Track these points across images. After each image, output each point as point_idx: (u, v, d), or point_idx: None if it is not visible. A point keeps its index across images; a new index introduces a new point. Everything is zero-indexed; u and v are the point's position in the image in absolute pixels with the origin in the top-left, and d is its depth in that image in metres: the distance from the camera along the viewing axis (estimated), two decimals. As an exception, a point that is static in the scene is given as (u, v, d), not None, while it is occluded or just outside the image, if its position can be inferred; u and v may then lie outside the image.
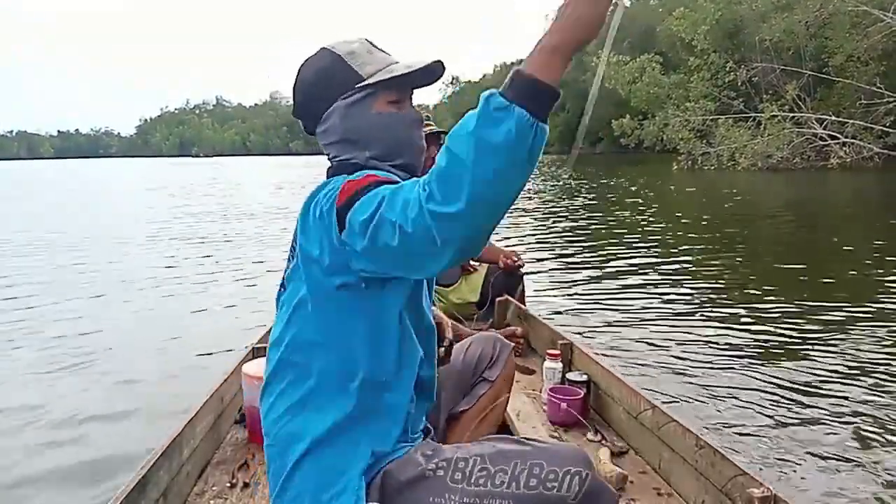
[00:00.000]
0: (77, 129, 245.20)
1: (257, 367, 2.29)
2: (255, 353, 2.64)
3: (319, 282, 1.17)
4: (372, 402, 1.21)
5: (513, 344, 1.99)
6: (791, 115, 26.84)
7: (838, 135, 25.35)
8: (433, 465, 1.20)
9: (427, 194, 0.93)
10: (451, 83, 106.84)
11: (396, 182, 1.10)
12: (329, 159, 1.32)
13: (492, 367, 1.84)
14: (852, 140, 24.95)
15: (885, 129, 24.82)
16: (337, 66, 1.25)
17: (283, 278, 1.30)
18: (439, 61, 1.24)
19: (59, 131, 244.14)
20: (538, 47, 0.92)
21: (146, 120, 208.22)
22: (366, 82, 1.23)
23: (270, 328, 2.92)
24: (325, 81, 1.25)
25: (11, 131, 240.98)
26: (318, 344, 1.20)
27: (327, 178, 1.27)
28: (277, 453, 1.25)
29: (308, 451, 1.20)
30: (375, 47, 1.28)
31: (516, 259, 3.76)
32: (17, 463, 3.08)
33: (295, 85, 1.31)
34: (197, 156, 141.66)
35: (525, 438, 1.31)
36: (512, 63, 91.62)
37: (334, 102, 1.25)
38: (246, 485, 2.03)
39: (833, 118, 25.84)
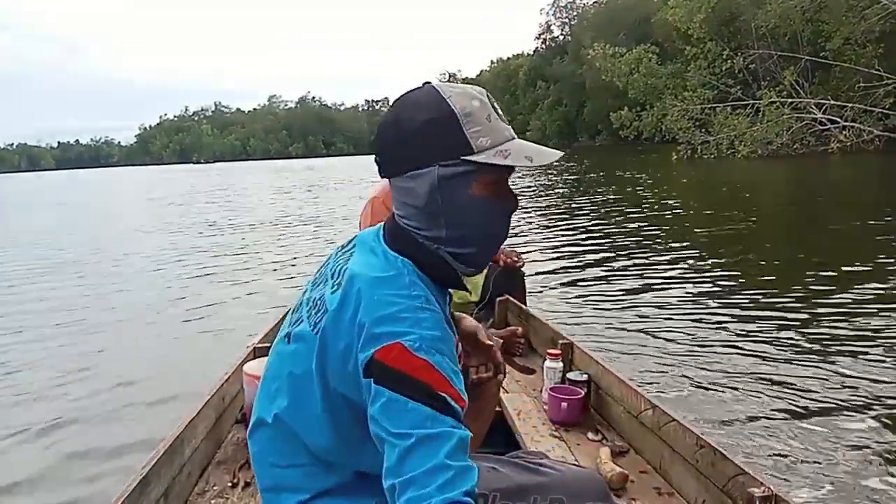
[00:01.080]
0: (77, 140, 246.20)
1: (258, 367, 2.29)
2: (256, 352, 2.64)
3: (327, 380, 1.05)
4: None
5: (500, 339, 1.99)
6: (790, 100, 26.73)
7: (838, 119, 25.25)
8: None
9: None
10: (449, 80, 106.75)
11: (447, 375, 0.96)
12: (396, 214, 1.13)
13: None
14: (852, 124, 24.83)
15: (884, 111, 24.70)
16: (449, 124, 1.04)
17: (290, 332, 1.15)
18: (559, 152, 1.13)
19: (59, 143, 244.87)
20: None
21: (146, 128, 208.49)
22: (475, 158, 1.04)
23: (271, 328, 2.94)
24: (431, 138, 1.05)
25: (12, 144, 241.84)
26: (320, 441, 1.10)
27: (392, 242, 1.11)
28: (273, 498, 1.18)
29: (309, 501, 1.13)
30: (495, 109, 1.08)
31: (516, 259, 3.75)
32: (18, 462, 3.10)
33: (390, 120, 1.09)
34: (198, 162, 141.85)
35: (533, 456, 1.28)
36: (508, 58, 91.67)
37: (431, 165, 1.05)
38: (247, 484, 2.03)
39: (832, 102, 25.73)
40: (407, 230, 1.11)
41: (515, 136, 1.10)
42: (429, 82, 1.12)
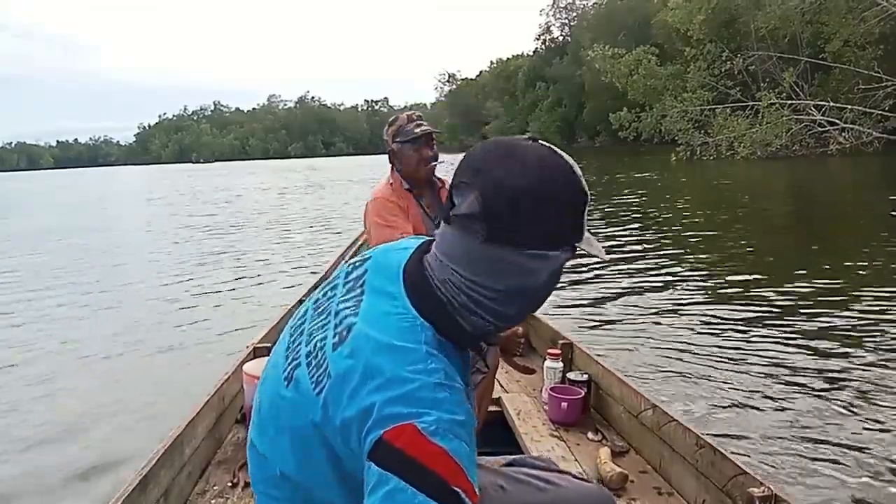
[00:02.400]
0: (76, 139, 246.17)
1: (258, 367, 2.30)
2: (256, 352, 2.64)
3: (333, 449, 0.95)
4: None
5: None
6: (789, 102, 26.74)
7: (837, 121, 25.26)
8: None
9: None
10: (448, 81, 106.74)
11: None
12: (459, 274, 0.96)
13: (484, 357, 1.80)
14: (851, 125, 24.84)
15: (884, 113, 24.72)
16: (581, 210, 0.95)
17: (290, 375, 1.04)
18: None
19: (58, 141, 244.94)
20: None
21: (145, 127, 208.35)
22: (581, 246, 0.96)
23: (271, 328, 2.94)
24: (565, 221, 0.94)
25: (11, 143, 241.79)
26: (332, 498, 1.02)
27: (406, 281, 0.99)
28: None
29: None
30: None
31: None
32: (18, 462, 3.10)
33: (529, 187, 0.91)
34: (197, 161, 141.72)
35: (538, 461, 1.25)
36: (508, 59, 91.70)
37: (557, 249, 0.94)
38: (247, 484, 2.03)
39: (831, 104, 25.73)
40: (442, 288, 0.97)
41: None
42: (551, 147, 0.96)
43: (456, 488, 0.83)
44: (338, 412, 0.91)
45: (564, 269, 0.99)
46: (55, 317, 5.94)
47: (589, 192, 0.95)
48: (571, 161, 0.95)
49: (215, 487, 2.05)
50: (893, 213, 9.48)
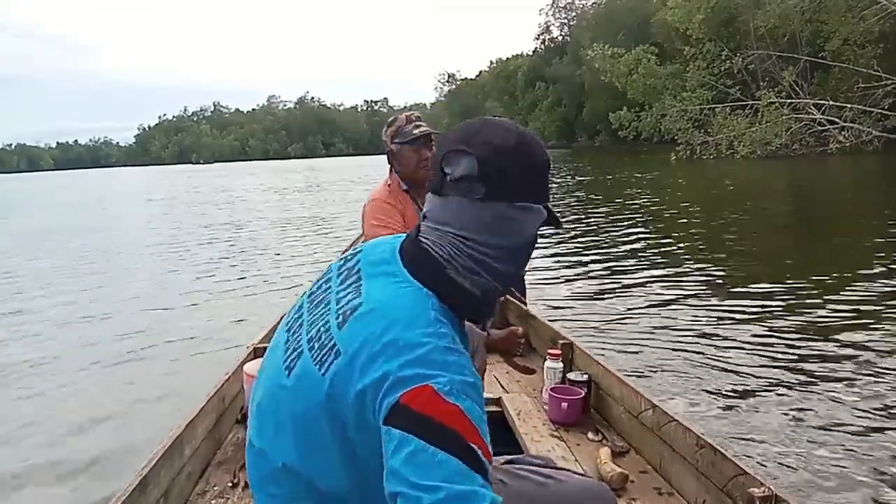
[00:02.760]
0: (76, 140, 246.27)
1: (258, 367, 2.29)
2: (256, 352, 2.64)
3: (344, 428, 0.97)
4: None
5: (485, 333, 1.99)
6: (789, 101, 26.76)
7: (837, 119, 25.29)
8: None
9: None
10: (448, 81, 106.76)
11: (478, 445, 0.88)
12: (461, 237, 1.04)
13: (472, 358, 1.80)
14: (851, 124, 24.86)
15: (883, 112, 24.73)
16: (546, 171, 1.08)
17: (290, 364, 1.05)
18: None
19: (58, 142, 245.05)
20: None
21: (145, 128, 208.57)
22: (550, 208, 1.09)
23: (271, 328, 2.93)
24: (542, 178, 1.07)
25: (11, 144, 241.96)
26: (338, 485, 1.03)
27: (403, 256, 1.05)
28: None
29: None
30: None
31: None
32: (18, 462, 3.10)
33: (514, 144, 1.04)
34: (197, 162, 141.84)
35: (537, 459, 1.26)
36: (507, 59, 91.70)
37: (539, 203, 1.06)
38: (248, 485, 2.02)
39: (831, 103, 25.75)
40: (442, 255, 1.03)
41: None
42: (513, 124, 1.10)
43: (472, 445, 0.87)
44: (350, 387, 0.93)
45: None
46: (54, 316, 5.94)
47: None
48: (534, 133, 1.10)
49: (215, 488, 2.04)
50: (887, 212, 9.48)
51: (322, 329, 1.02)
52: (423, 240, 1.05)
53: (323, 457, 1.00)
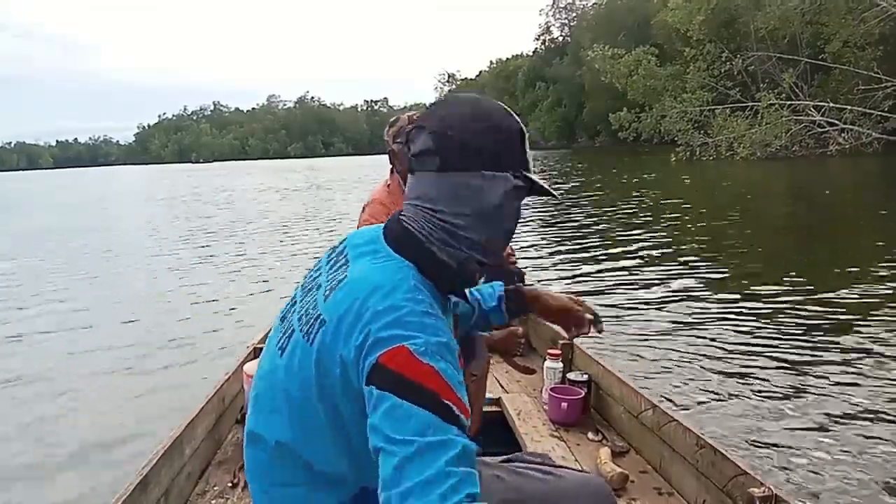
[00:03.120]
0: (76, 139, 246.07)
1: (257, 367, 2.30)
2: (256, 352, 2.64)
3: (332, 398, 1.01)
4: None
5: (486, 334, 1.99)
6: (788, 103, 26.77)
7: (837, 121, 25.30)
8: None
9: None
10: (448, 81, 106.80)
11: (452, 404, 0.92)
12: (427, 209, 1.09)
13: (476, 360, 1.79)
14: (851, 126, 24.88)
15: (883, 114, 24.75)
16: (518, 139, 1.10)
17: (283, 344, 1.10)
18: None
19: (57, 141, 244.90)
20: None
21: (144, 127, 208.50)
22: (531, 176, 1.11)
23: (271, 328, 2.93)
24: (506, 144, 1.09)
25: (10, 142, 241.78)
26: (330, 461, 1.06)
27: (399, 245, 1.09)
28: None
29: None
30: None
31: (511, 254, 3.70)
32: (18, 462, 3.10)
33: (473, 112, 1.08)
34: (196, 161, 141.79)
35: (536, 457, 1.25)
36: (507, 59, 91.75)
37: (505, 171, 1.08)
38: (247, 484, 2.03)
39: (831, 105, 25.78)
40: (449, 229, 1.08)
41: None
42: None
43: (447, 402, 0.92)
44: (335, 352, 0.98)
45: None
46: (54, 316, 5.94)
47: (525, 130, 1.11)
48: (513, 114, 1.11)
49: (215, 488, 2.04)
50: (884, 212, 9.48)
51: (311, 305, 1.07)
52: (403, 218, 1.11)
53: (318, 436, 1.03)
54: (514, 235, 1.17)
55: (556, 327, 3.06)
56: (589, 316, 1.44)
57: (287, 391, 1.05)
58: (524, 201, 1.14)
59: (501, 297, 1.48)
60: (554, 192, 1.14)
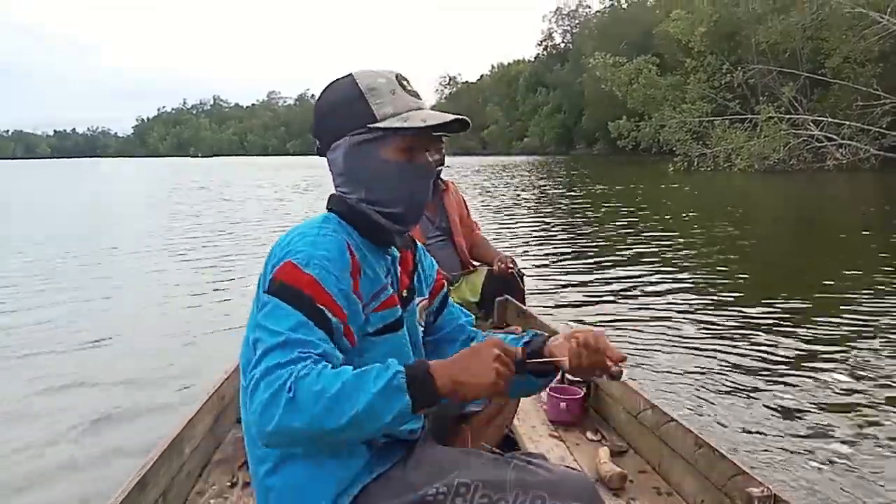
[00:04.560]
0: (74, 129, 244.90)
1: (258, 367, 2.29)
2: None
3: None
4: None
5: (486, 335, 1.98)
6: (787, 116, 26.89)
7: (835, 136, 25.41)
8: (433, 491, 1.15)
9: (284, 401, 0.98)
10: (448, 83, 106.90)
11: (329, 298, 1.10)
12: (334, 185, 1.30)
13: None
14: (849, 142, 25.02)
15: (881, 130, 24.89)
16: (355, 99, 1.20)
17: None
18: (461, 120, 1.21)
19: (55, 131, 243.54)
20: (451, 374, 1.05)
21: (143, 120, 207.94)
22: (377, 125, 1.19)
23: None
24: (341, 112, 1.22)
25: (7, 131, 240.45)
26: None
27: (328, 205, 1.28)
28: (252, 473, 1.25)
29: (274, 471, 1.19)
30: (403, 86, 1.22)
31: (511, 266, 3.71)
32: (17, 462, 3.08)
33: (316, 104, 1.28)
34: (195, 156, 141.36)
35: (531, 457, 1.26)
36: (509, 63, 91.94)
37: (344, 136, 1.21)
38: (247, 484, 2.03)
39: (829, 120, 25.91)
40: (340, 198, 1.27)
41: (426, 107, 1.24)
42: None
43: (321, 307, 1.08)
44: (261, 285, 1.16)
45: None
46: (54, 312, 5.90)
47: (369, 87, 1.20)
48: (361, 71, 1.24)
49: (214, 487, 2.04)
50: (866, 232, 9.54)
51: None
52: (334, 186, 1.30)
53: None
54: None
55: (555, 327, 3.08)
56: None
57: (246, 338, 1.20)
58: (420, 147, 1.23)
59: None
60: (407, 126, 1.18)
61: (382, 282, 1.24)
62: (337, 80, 1.26)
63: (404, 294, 1.31)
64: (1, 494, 2.82)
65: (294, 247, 1.13)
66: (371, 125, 1.19)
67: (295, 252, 1.12)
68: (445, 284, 1.48)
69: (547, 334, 1.33)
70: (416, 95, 1.24)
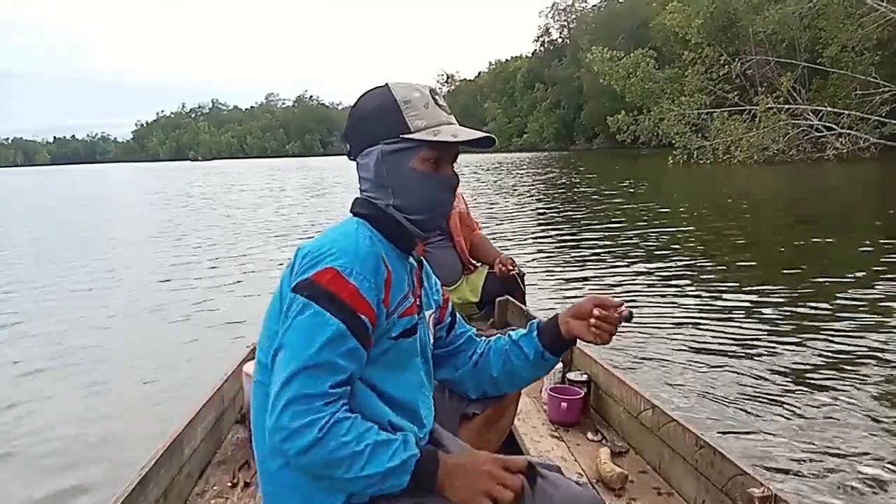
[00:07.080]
0: (73, 135, 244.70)
1: (258, 366, 2.29)
2: (256, 352, 2.63)
3: None
4: None
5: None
6: (786, 107, 26.83)
7: (834, 126, 25.38)
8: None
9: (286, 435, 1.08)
10: (447, 81, 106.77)
11: (360, 299, 1.15)
12: (360, 189, 1.35)
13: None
14: (848, 131, 24.97)
15: (881, 119, 24.85)
16: (390, 109, 1.26)
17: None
18: (489, 137, 1.28)
19: (55, 137, 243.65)
20: (453, 483, 1.13)
21: (142, 124, 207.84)
22: (410, 136, 1.24)
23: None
24: (376, 120, 1.27)
25: (7, 139, 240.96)
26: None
27: (352, 208, 1.33)
28: (262, 469, 1.27)
29: (287, 465, 1.21)
30: (436, 101, 1.28)
31: (511, 267, 3.71)
32: (17, 462, 3.09)
33: (351, 110, 1.34)
34: (195, 159, 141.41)
35: (546, 468, 1.26)
36: (506, 60, 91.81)
37: (378, 143, 1.27)
38: (247, 484, 2.03)
39: (829, 109, 25.88)
40: (367, 201, 1.32)
41: (455, 122, 1.29)
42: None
43: (362, 315, 1.15)
44: (286, 282, 1.23)
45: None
46: (54, 313, 5.92)
47: (404, 100, 1.25)
48: (397, 83, 1.29)
49: (215, 488, 2.04)
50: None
51: None
52: (360, 189, 1.35)
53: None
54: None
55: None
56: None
57: (267, 326, 1.29)
58: (450, 162, 1.30)
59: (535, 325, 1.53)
60: (439, 140, 1.23)
61: (405, 289, 1.30)
62: (373, 88, 1.31)
63: (418, 302, 1.37)
64: (1, 494, 2.82)
65: (335, 253, 1.18)
66: (404, 135, 1.25)
67: (337, 258, 1.17)
68: (450, 299, 1.56)
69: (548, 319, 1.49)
70: (447, 110, 1.30)
